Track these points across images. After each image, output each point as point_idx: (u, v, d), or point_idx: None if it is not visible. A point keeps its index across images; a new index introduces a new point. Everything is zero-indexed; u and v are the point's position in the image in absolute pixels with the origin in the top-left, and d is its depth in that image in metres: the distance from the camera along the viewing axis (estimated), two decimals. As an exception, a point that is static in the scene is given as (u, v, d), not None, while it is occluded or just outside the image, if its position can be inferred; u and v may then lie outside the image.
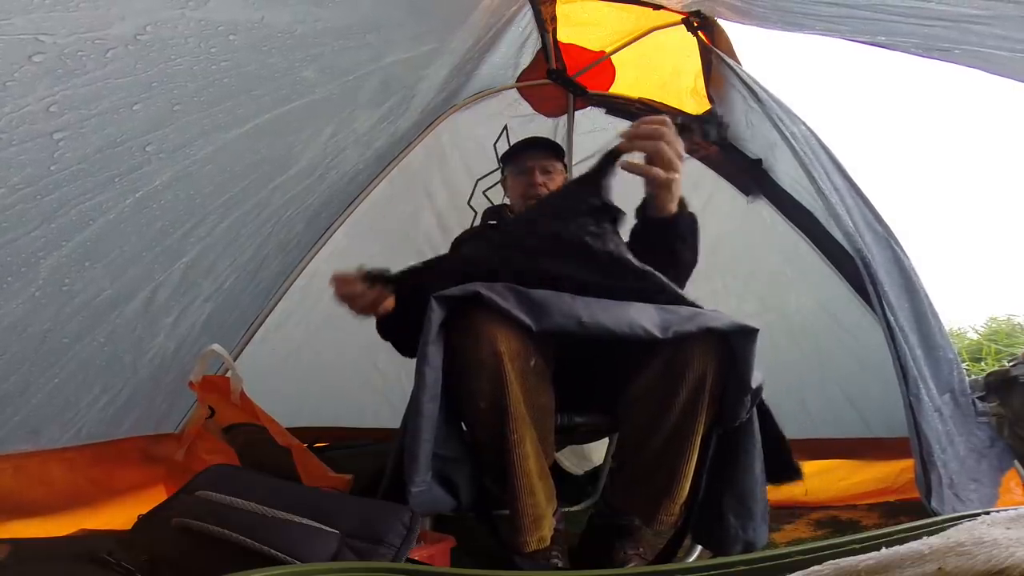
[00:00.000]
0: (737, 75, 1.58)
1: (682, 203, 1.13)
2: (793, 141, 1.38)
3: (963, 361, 2.48)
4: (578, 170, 2.01)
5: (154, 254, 1.18)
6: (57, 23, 0.72)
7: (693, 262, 1.17)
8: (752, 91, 1.50)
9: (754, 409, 1.01)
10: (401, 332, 1.21)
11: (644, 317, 0.95)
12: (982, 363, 2.59)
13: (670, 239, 1.11)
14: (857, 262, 1.27)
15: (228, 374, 1.44)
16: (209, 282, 1.40)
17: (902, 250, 1.35)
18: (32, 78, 0.74)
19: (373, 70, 1.33)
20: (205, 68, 0.93)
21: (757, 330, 0.95)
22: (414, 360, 0.96)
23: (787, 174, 1.67)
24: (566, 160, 2.00)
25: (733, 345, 0.97)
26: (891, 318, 1.23)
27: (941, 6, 0.98)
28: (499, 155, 1.51)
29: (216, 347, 1.36)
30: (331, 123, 1.38)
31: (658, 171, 1.05)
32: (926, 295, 1.33)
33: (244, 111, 1.09)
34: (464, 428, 1.04)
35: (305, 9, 1.01)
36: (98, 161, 0.91)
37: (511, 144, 1.52)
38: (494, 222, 1.52)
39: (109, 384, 1.29)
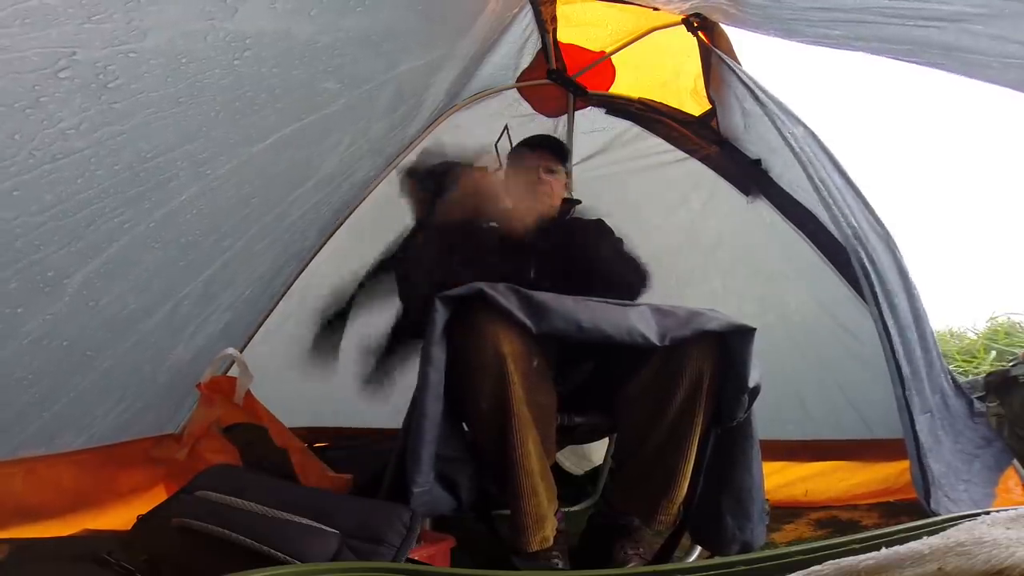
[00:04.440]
0: (737, 76, 1.58)
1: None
2: (793, 142, 1.38)
3: (956, 361, 2.48)
4: (578, 170, 2.01)
5: (178, 268, 1.18)
6: (92, 35, 0.70)
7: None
8: (752, 92, 1.50)
9: (752, 409, 1.01)
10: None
11: (643, 323, 0.95)
12: (975, 363, 2.58)
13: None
14: (855, 263, 1.27)
15: (234, 371, 1.45)
16: (228, 293, 1.41)
17: (898, 251, 1.35)
18: (66, 93, 0.74)
19: (388, 79, 1.33)
20: (232, 81, 0.93)
21: (754, 329, 0.96)
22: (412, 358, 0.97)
23: (786, 174, 1.67)
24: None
25: (730, 345, 0.97)
26: (888, 319, 1.23)
27: (935, 5, 0.98)
28: (499, 154, 1.50)
29: (231, 351, 1.38)
30: (349, 133, 1.38)
31: None
32: (919, 297, 1.33)
33: (267, 124, 1.09)
34: (465, 428, 1.04)
35: (328, 20, 1.01)
36: (127, 177, 0.91)
37: (513, 141, 1.51)
38: None
39: (127, 393, 1.30)
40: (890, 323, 1.23)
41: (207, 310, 1.36)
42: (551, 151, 1.44)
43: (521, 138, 1.51)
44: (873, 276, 1.25)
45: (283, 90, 1.05)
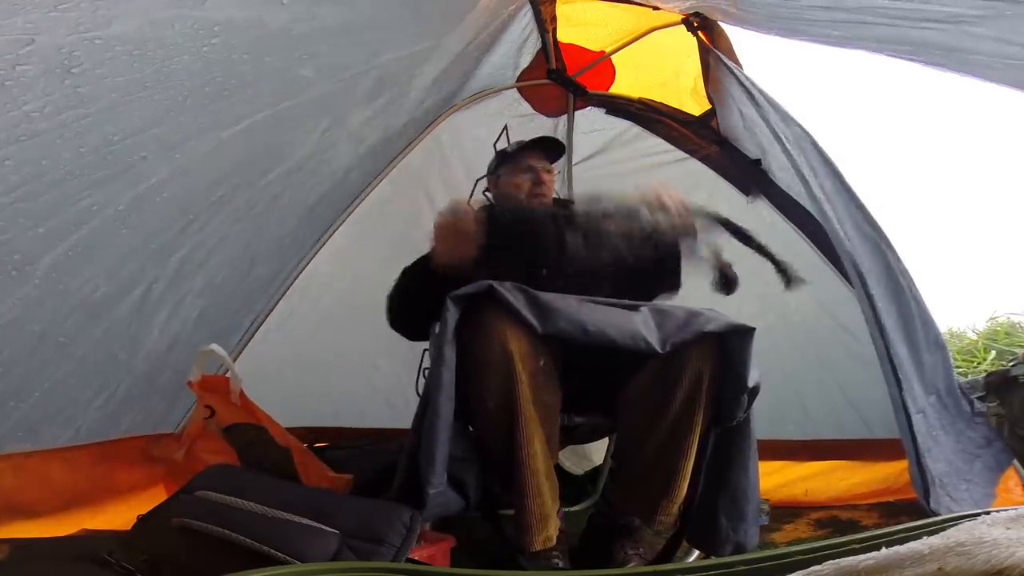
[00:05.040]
0: (735, 76, 1.58)
1: None
2: (787, 143, 1.38)
3: (956, 362, 2.48)
4: (578, 170, 2.01)
5: (148, 251, 1.18)
6: (57, 22, 0.71)
7: None
8: (748, 92, 1.50)
9: (751, 409, 1.01)
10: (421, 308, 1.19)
11: (646, 328, 0.95)
12: (975, 363, 2.58)
13: None
14: (847, 266, 1.27)
15: (227, 374, 1.44)
16: (201, 278, 1.40)
17: (892, 252, 1.34)
18: (31, 77, 0.74)
19: (369, 68, 1.33)
20: (201, 67, 0.93)
21: (753, 329, 0.96)
22: (412, 357, 0.97)
23: (783, 174, 1.67)
24: (565, 161, 2.01)
25: (729, 345, 0.97)
26: (883, 320, 1.23)
27: (935, 7, 0.97)
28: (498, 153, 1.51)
29: (215, 347, 1.36)
30: (325, 119, 1.38)
31: None
32: (915, 297, 1.33)
33: (240, 110, 1.09)
34: (470, 428, 1.04)
35: (303, 8, 1.01)
36: (95, 160, 0.91)
37: (510, 143, 1.52)
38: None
39: (106, 382, 1.29)
40: (883, 325, 1.23)
41: (179, 293, 1.35)
42: (547, 151, 1.45)
43: (520, 138, 1.51)
44: (859, 278, 1.25)
45: (255, 77, 1.05)
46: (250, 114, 1.12)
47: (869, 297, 1.24)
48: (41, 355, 1.09)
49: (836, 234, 1.27)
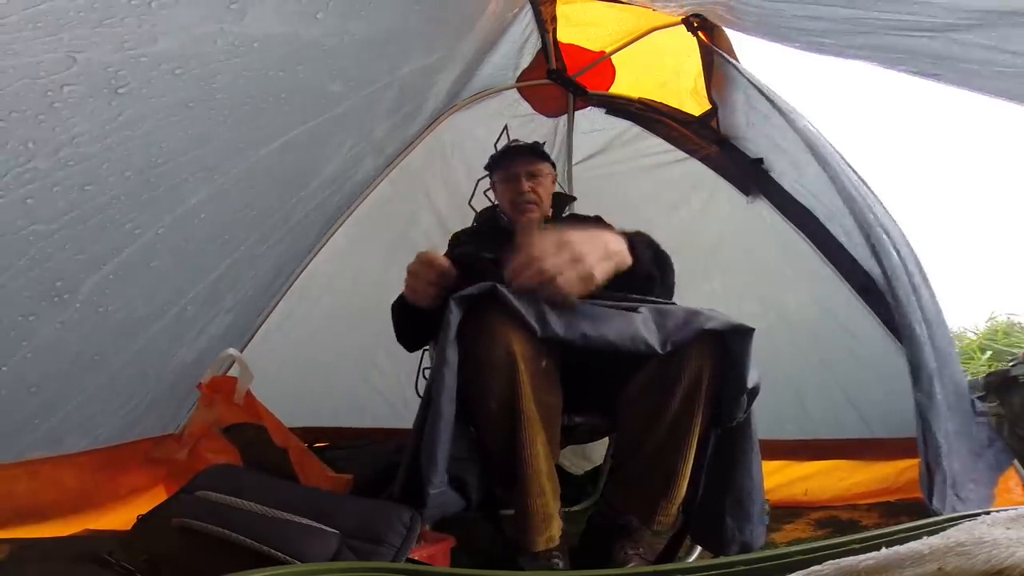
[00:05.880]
0: (741, 74, 1.58)
1: (630, 241, 1.06)
2: (810, 135, 1.38)
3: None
4: (579, 170, 2.01)
5: (186, 271, 1.18)
6: (103, 39, 0.70)
7: (668, 275, 1.19)
8: (757, 89, 1.51)
9: (751, 410, 1.01)
10: (420, 322, 1.20)
11: (646, 329, 0.95)
12: (973, 364, 2.59)
13: (640, 280, 1.10)
14: (885, 261, 1.27)
15: (234, 371, 1.45)
16: (232, 294, 1.41)
17: (908, 247, 1.35)
18: (79, 97, 0.73)
19: (392, 80, 1.34)
20: (240, 85, 0.94)
21: (753, 329, 0.95)
22: (411, 357, 0.96)
23: (788, 173, 1.67)
24: (565, 161, 2.01)
25: (729, 345, 0.97)
26: (910, 314, 1.23)
27: (927, 17, 0.98)
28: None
29: (232, 351, 1.38)
30: (352, 135, 1.39)
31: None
32: (931, 294, 1.34)
33: (275, 128, 1.10)
34: (471, 429, 1.04)
35: (334, 22, 1.01)
36: (138, 183, 0.91)
37: (496, 151, 1.51)
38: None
39: (132, 395, 1.30)
40: (910, 319, 1.23)
41: (211, 312, 1.36)
42: (526, 154, 1.43)
43: (521, 138, 1.51)
44: (891, 273, 1.25)
45: (289, 93, 1.06)
46: (284, 131, 1.12)
47: (894, 292, 1.24)
48: (75, 372, 1.09)
49: (869, 226, 1.27)
